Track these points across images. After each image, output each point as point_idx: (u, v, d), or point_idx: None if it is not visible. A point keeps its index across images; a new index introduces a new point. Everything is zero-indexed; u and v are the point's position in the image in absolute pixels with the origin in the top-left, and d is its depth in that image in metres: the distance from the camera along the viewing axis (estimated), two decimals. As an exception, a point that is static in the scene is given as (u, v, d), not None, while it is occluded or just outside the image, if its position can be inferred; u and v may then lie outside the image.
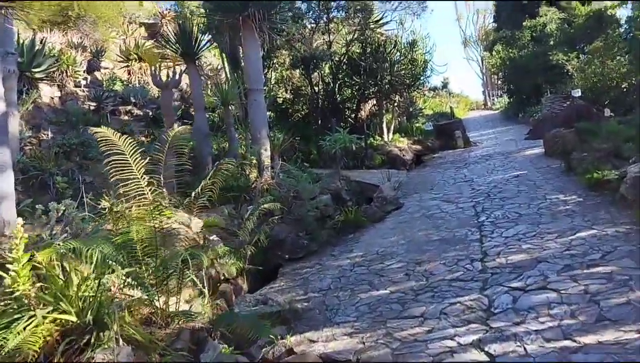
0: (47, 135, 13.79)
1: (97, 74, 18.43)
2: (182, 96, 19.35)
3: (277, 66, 17.74)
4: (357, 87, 18.00)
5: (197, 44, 11.41)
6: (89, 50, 18.21)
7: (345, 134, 12.29)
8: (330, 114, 17.92)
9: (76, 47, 17.43)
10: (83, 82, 16.93)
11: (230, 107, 12.50)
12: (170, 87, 9.92)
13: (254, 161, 10.85)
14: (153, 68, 10.07)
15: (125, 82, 19.09)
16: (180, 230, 8.13)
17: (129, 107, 16.96)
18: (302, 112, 19.48)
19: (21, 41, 14.78)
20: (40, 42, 15.22)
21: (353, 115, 19.33)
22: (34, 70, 14.55)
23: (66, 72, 15.67)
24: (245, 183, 10.17)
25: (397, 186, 13.03)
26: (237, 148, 12.04)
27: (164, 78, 10.86)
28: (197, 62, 11.55)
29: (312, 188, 10.53)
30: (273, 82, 18.19)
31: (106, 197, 6.51)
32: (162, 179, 7.72)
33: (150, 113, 17.02)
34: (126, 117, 16.64)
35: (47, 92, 15.42)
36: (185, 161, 11.64)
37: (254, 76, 11.21)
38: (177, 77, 10.09)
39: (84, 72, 17.09)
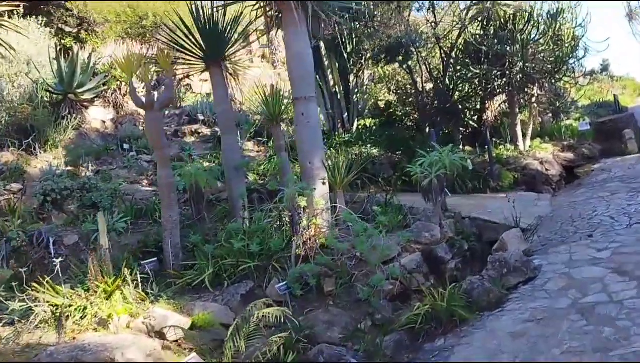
0: (87, 168, 11.59)
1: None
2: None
3: (370, 62, 13.92)
4: (477, 80, 13.53)
5: (226, 40, 8.14)
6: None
7: (447, 152, 8.14)
8: (442, 117, 13.69)
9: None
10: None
11: (281, 124, 9.04)
12: (157, 106, 6.71)
13: (302, 204, 7.22)
14: (139, 79, 6.98)
15: (203, 96, 16.64)
16: (118, 349, 4.80)
17: (196, 126, 14.34)
18: (413, 117, 15.44)
19: (67, 58, 12.86)
20: (87, 58, 13.15)
21: (475, 117, 14.84)
22: (77, 91, 12.47)
23: (119, 89, 13.42)
24: (277, 244, 6.61)
25: (532, 227, 8.56)
26: (290, 181, 8.51)
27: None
28: (224, 64, 8.22)
29: (382, 247, 6.63)
30: (367, 82, 14.45)
31: None
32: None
33: (219, 132, 14.21)
34: (192, 138, 14.03)
35: (99, 115, 13.30)
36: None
37: (299, 79, 7.63)
38: (167, 91, 6.88)
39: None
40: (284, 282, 6.24)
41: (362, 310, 6.34)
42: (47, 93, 12.22)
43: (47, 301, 5.29)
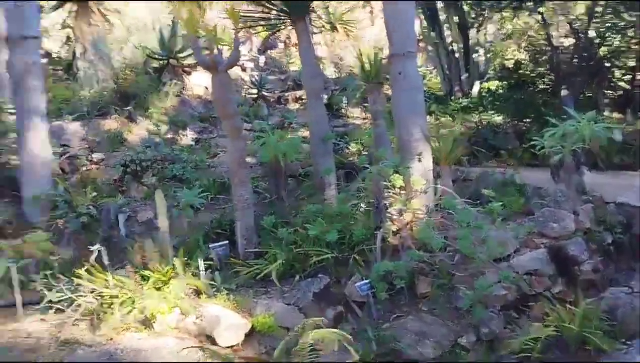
0: (186, 136, 11.27)
1: (275, 52, 15.45)
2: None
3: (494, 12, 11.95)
4: (633, 31, 11.02)
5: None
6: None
7: (587, 122, 6.38)
8: (583, 78, 11.43)
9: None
10: (250, 65, 14.06)
11: (380, 86, 7.75)
12: (223, 68, 5.79)
13: (398, 184, 5.98)
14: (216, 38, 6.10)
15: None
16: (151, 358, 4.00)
17: (301, 93, 13.46)
18: (547, 78, 13.19)
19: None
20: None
21: (628, 77, 12.27)
22: (179, 56, 12.13)
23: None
24: (360, 232, 5.48)
25: None
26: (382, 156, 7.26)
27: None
28: (309, 18, 7.11)
29: (493, 243, 5.24)
30: (491, 39, 12.53)
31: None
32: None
33: (326, 97, 13.20)
34: (296, 105, 13.22)
35: (201, 81, 12.90)
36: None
37: (397, 32, 6.30)
38: (234, 51, 5.91)
39: (249, 52, 14.26)
40: (367, 281, 5.14)
41: (465, 320, 5.08)
42: (151, 59, 12.03)
43: (92, 291, 4.70)
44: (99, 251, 4.87)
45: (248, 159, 8.70)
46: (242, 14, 7.18)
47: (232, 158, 5.89)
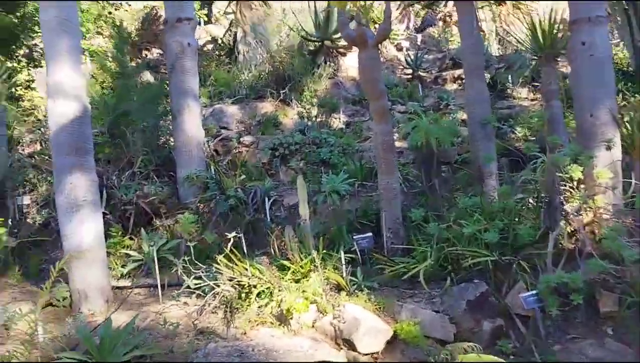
0: (338, 119, 11.01)
1: (433, 30, 14.46)
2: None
3: None
4: None
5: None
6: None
7: None
8: None
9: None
10: (406, 44, 13.32)
11: (554, 62, 6.60)
12: (372, 42, 5.19)
13: (577, 175, 4.95)
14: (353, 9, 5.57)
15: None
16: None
17: (460, 72, 12.44)
18: None
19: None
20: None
21: None
22: (334, 37, 11.85)
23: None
24: (527, 233, 4.60)
25: None
26: (560, 142, 6.17)
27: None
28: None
29: None
30: None
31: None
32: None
33: (489, 76, 12.03)
34: (454, 86, 12.27)
35: (356, 63, 12.54)
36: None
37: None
38: (384, 23, 5.26)
39: (405, 30, 13.48)
40: (534, 292, 4.30)
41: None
42: (307, 42, 11.95)
43: (231, 279, 4.53)
44: (238, 237, 4.68)
45: (399, 144, 8.15)
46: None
47: (378, 142, 5.37)
